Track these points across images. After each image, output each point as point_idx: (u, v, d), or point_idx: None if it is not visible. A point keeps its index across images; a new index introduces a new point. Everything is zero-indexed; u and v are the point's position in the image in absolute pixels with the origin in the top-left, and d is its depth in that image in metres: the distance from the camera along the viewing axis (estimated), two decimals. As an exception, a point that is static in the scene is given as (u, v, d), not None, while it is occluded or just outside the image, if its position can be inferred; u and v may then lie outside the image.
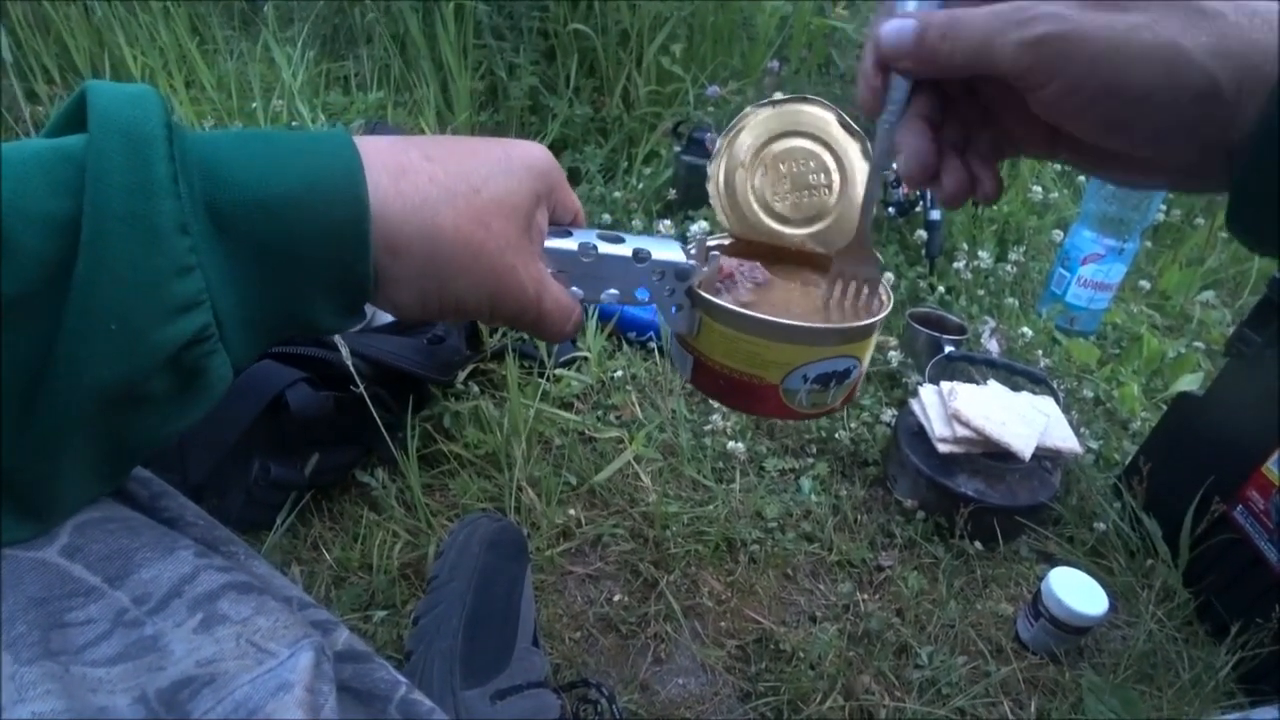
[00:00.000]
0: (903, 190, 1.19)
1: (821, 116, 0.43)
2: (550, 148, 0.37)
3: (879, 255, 0.39)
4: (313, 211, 0.27)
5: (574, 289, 0.36)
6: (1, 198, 0.22)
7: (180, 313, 0.25)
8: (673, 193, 1.29)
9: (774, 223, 0.45)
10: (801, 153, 0.44)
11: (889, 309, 0.39)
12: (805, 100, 0.44)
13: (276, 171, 0.27)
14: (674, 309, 0.38)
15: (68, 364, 0.24)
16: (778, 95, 0.45)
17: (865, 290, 0.40)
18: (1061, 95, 0.27)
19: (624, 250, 0.36)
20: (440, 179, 0.30)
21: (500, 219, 0.32)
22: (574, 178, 1.37)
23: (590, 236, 0.36)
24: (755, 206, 0.44)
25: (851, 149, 0.43)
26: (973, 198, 0.33)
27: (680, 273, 0.37)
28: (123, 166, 0.23)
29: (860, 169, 0.43)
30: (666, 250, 0.37)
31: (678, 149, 1.28)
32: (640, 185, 1.34)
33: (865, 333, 0.38)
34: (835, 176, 0.44)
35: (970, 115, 0.33)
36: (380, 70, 1.45)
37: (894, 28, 0.30)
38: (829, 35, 1.52)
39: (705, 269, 0.38)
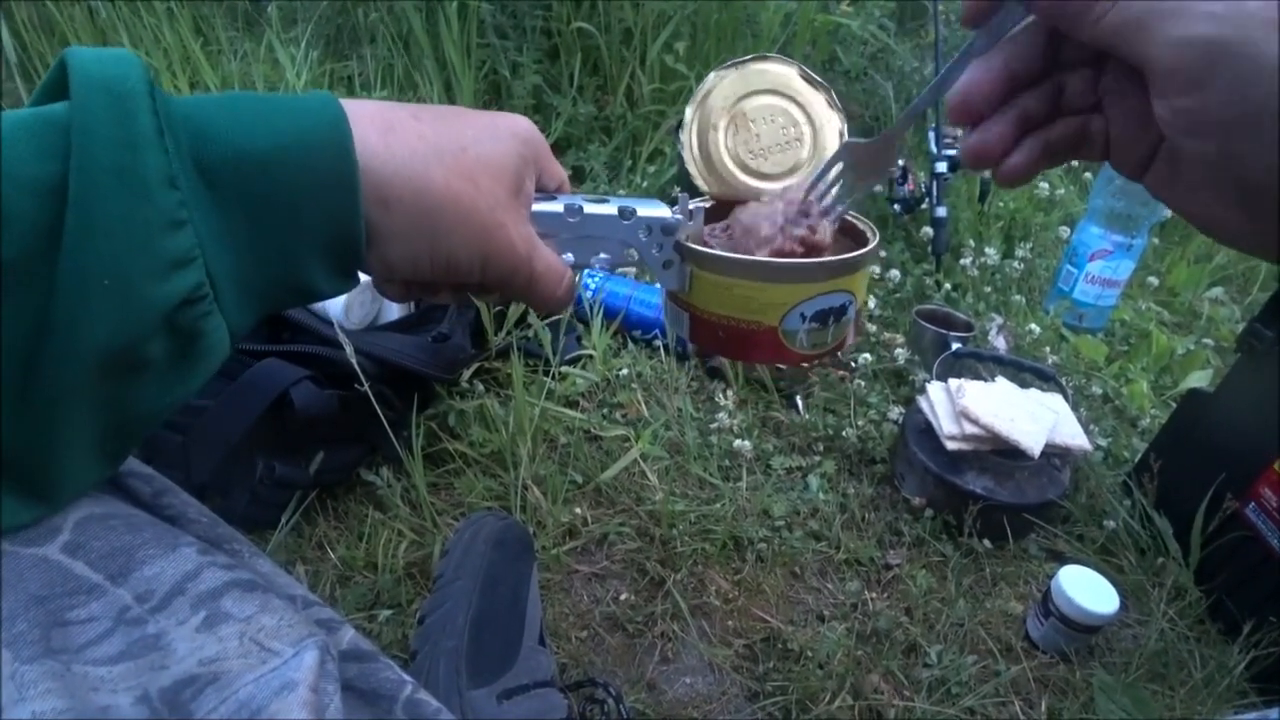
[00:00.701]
0: (908, 188, 1.19)
1: (784, 73, 0.44)
2: (554, 146, 0.37)
3: (899, 161, 0.38)
4: (301, 165, 0.27)
5: (565, 255, 0.37)
6: None
7: (173, 269, 0.25)
8: (677, 190, 1.28)
9: (750, 179, 0.45)
10: (770, 109, 0.45)
11: (876, 243, 0.39)
12: (766, 59, 0.45)
13: (263, 127, 0.27)
14: (663, 266, 0.38)
15: (64, 327, 0.23)
16: (739, 57, 0.46)
17: (857, 186, 0.38)
18: (1206, 106, 0.24)
19: (609, 209, 0.37)
20: (429, 137, 0.30)
21: (488, 178, 0.32)
22: (578, 176, 1.37)
23: (575, 199, 0.36)
24: (730, 165, 0.45)
25: (817, 101, 0.45)
26: (992, 169, 0.30)
27: (666, 227, 0.37)
28: (107, 121, 0.23)
29: (827, 119, 0.44)
30: (651, 207, 0.37)
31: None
32: (645, 183, 1.33)
33: (855, 266, 0.38)
34: (805, 129, 0.45)
35: (1061, 95, 0.30)
36: (384, 70, 1.45)
37: None
38: (833, 32, 1.51)
39: (691, 224, 0.38)
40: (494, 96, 1.46)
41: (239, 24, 1.57)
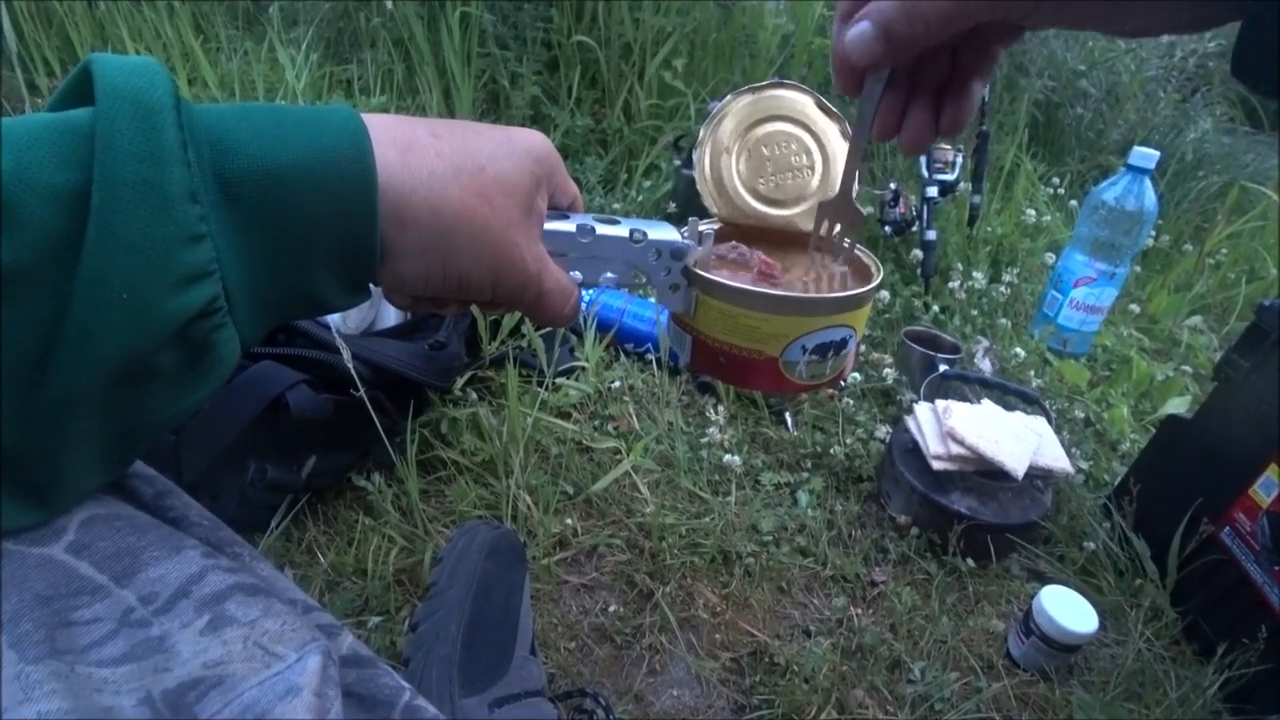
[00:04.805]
0: (899, 210, 1.21)
1: (800, 100, 0.45)
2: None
3: (860, 208, 0.40)
4: (321, 181, 0.27)
5: (573, 273, 0.37)
6: (4, 169, 0.22)
7: (190, 282, 0.25)
8: (672, 205, 1.30)
9: (760, 204, 0.46)
10: (782, 136, 0.45)
11: (879, 280, 0.40)
12: (783, 85, 0.45)
13: (284, 142, 0.27)
14: (670, 289, 0.39)
15: (78, 335, 0.23)
16: (756, 82, 0.46)
17: (848, 233, 0.41)
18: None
19: (620, 231, 0.37)
20: (446, 155, 0.31)
21: (503, 196, 0.32)
22: (574, 187, 1.38)
23: (587, 219, 0.37)
24: (741, 190, 0.45)
25: (830, 130, 0.45)
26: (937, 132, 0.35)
27: (675, 251, 0.38)
28: (131, 134, 0.23)
29: (840, 149, 0.45)
30: (662, 231, 0.38)
31: (678, 162, 1.29)
32: (640, 197, 1.35)
33: (859, 302, 0.39)
34: (817, 157, 0.45)
35: (941, 53, 0.34)
36: (384, 75, 1.46)
37: (856, 37, 0.32)
38: (830, 55, 1.54)
39: (700, 249, 0.39)
40: (492, 106, 1.47)
41: (239, 23, 1.56)
